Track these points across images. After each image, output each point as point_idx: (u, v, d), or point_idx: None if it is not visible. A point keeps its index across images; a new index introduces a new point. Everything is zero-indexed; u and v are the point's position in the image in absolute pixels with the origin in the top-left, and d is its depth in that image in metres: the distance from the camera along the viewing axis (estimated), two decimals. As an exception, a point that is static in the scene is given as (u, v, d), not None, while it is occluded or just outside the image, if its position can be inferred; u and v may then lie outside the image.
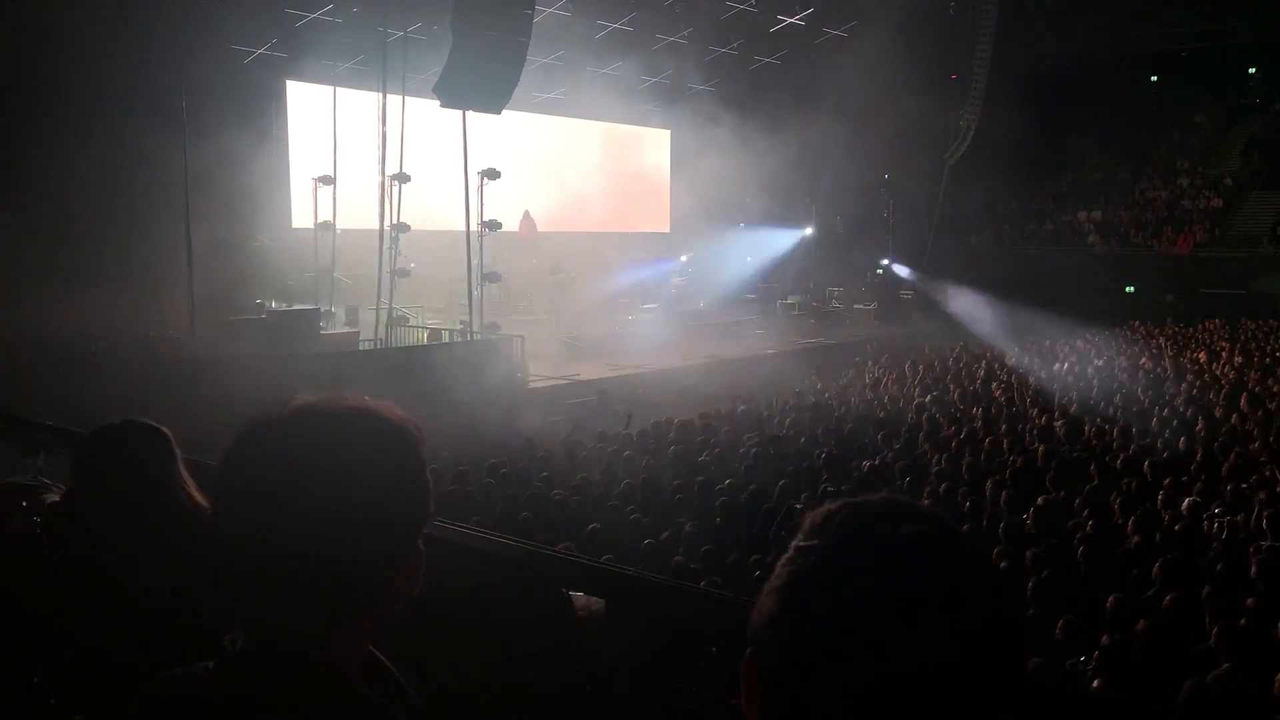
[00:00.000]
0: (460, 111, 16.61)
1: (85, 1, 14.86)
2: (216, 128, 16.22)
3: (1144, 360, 17.67)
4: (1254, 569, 6.04)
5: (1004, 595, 0.85)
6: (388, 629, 1.16)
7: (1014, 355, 18.81)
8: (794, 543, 0.88)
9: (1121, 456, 9.65)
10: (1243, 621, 5.15)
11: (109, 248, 15.08)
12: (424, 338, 17.51)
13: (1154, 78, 33.66)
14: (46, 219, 14.93)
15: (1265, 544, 6.36)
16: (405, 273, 17.52)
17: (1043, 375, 16.51)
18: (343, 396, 1.12)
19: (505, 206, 18.45)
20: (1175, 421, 11.76)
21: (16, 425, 4.13)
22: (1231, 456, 9.54)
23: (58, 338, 11.59)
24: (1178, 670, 4.83)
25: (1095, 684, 4.75)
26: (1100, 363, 17.38)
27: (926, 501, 7.86)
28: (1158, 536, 6.91)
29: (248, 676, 1.05)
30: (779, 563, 0.88)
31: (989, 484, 8.51)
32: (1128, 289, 28.19)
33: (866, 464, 9.58)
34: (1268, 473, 8.85)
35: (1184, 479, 8.66)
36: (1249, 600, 5.41)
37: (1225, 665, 4.71)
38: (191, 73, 15.79)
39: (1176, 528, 7.15)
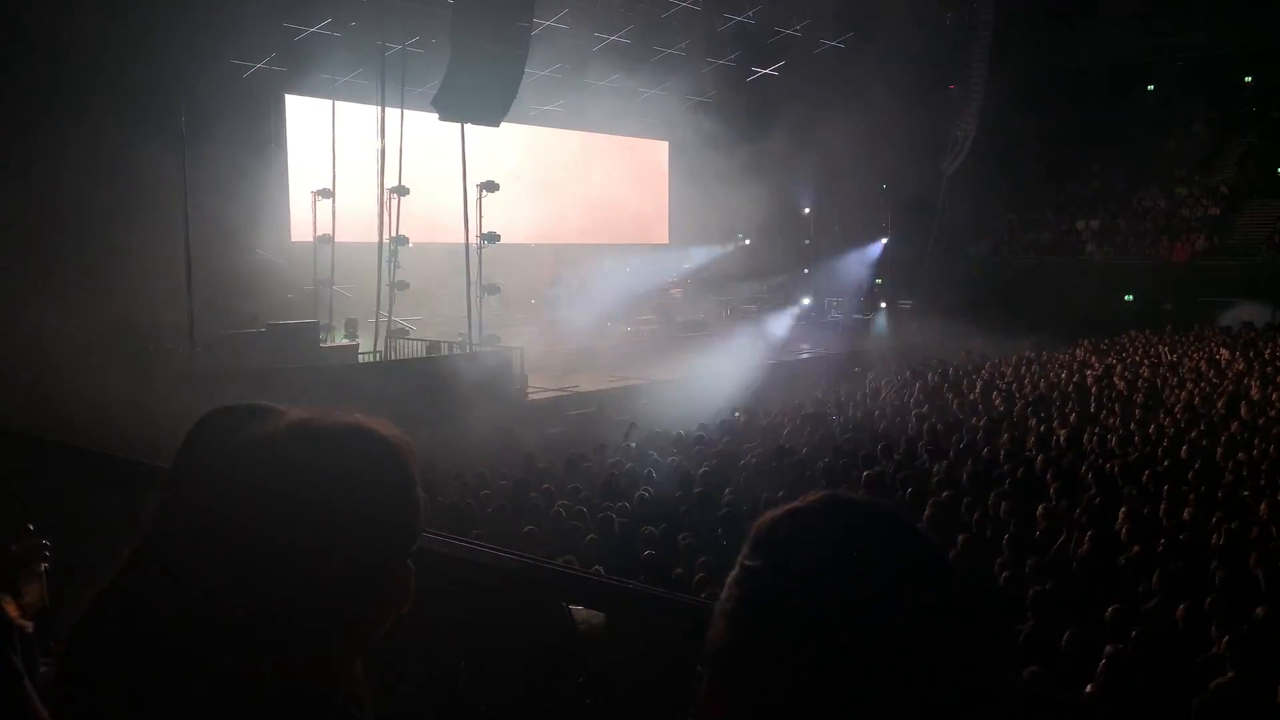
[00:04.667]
0: (459, 124, 16.64)
1: (84, 16, 14.91)
2: (216, 141, 16.25)
3: (1143, 369, 17.67)
4: (1262, 580, 6.02)
5: (957, 596, 0.83)
6: (382, 644, 1.15)
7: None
8: (740, 558, 0.86)
9: (1121, 465, 9.62)
10: (1249, 630, 5.13)
11: (107, 260, 15.06)
12: (423, 350, 17.51)
13: (1150, 87, 33.74)
14: (44, 231, 14.93)
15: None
16: (404, 285, 17.52)
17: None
18: (336, 411, 1.11)
19: (504, 218, 18.46)
20: (1175, 429, 11.74)
21: (10, 439, 4.10)
22: (1231, 464, 9.53)
23: (55, 350, 11.56)
24: (1180, 679, 4.81)
25: (1089, 689, 4.74)
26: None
27: (929, 511, 7.84)
28: (1159, 545, 6.88)
29: (232, 702, 1.03)
30: (728, 580, 0.86)
31: (989, 494, 8.49)
32: (1126, 297, 28.25)
33: (866, 474, 9.55)
34: (1264, 481, 8.83)
35: (1184, 488, 8.63)
36: (1258, 610, 5.39)
37: (1230, 674, 4.69)
38: (191, 86, 15.82)
39: (1180, 537, 7.13)
